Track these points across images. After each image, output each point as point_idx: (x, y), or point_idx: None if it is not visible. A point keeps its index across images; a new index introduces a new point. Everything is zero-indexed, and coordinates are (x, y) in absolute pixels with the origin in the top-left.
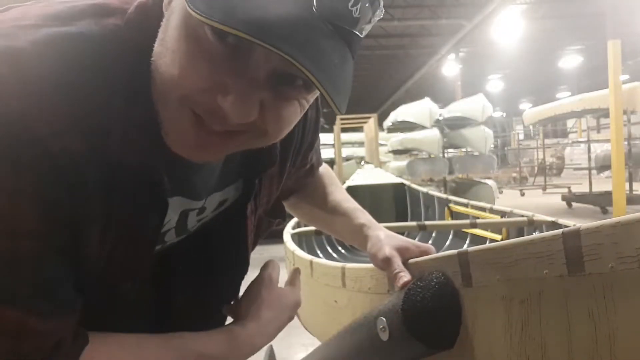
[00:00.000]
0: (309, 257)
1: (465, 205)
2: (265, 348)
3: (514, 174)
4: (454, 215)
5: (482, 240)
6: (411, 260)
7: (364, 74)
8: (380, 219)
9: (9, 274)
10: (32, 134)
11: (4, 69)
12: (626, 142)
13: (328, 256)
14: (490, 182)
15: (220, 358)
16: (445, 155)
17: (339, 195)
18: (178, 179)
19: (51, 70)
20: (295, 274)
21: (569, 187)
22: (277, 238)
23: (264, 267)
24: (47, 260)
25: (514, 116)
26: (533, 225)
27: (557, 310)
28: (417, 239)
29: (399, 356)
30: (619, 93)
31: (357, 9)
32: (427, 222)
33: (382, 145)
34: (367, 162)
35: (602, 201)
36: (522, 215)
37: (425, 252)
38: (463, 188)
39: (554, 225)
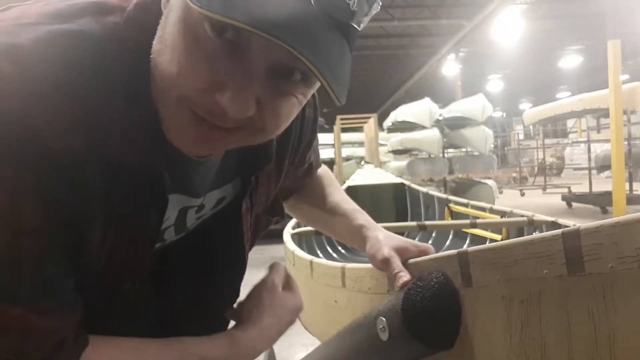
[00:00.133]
0: (309, 257)
1: (465, 205)
2: None
3: (514, 174)
4: (454, 215)
5: (482, 240)
6: (411, 261)
7: (364, 74)
8: (380, 219)
9: (10, 272)
10: (33, 133)
11: (6, 66)
12: (626, 142)
13: (328, 256)
14: (490, 182)
15: None
16: (445, 155)
17: (338, 196)
18: (178, 177)
19: (52, 70)
20: (288, 278)
21: (569, 187)
22: (277, 238)
23: (269, 271)
24: (48, 259)
25: (514, 116)
26: (533, 225)
27: (557, 310)
28: (417, 239)
29: (398, 356)
30: (619, 93)
31: (354, 1)
32: (427, 222)
33: (382, 145)
34: (367, 162)
35: (602, 201)
36: (522, 215)
37: (424, 252)
38: (463, 188)
39: (554, 225)
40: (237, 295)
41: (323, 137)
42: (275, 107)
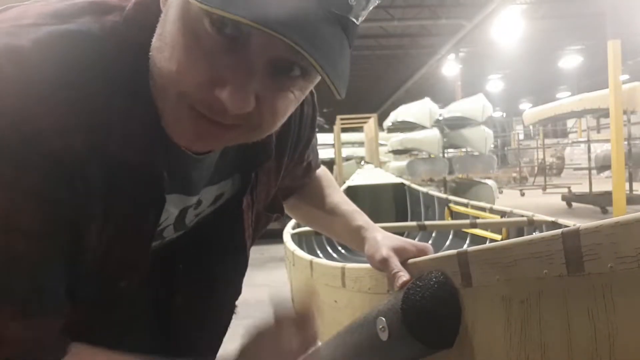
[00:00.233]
0: (308, 257)
1: (465, 205)
2: None
3: (514, 174)
4: (454, 215)
5: (482, 240)
6: (410, 261)
7: (364, 74)
8: (380, 219)
9: (4, 273)
10: (33, 133)
11: (7, 67)
12: (626, 142)
13: (328, 256)
14: (490, 182)
15: None
16: (445, 155)
17: (337, 197)
18: (177, 176)
19: (52, 70)
20: (306, 314)
21: (569, 187)
22: (277, 238)
23: (273, 312)
24: (43, 262)
25: (514, 116)
26: (533, 225)
27: (556, 310)
28: (417, 239)
29: (398, 356)
30: (619, 93)
31: None
32: (427, 222)
33: (382, 145)
34: (367, 162)
35: (602, 201)
36: (522, 215)
37: (422, 251)
38: (463, 188)
39: (553, 225)
40: (239, 293)
41: (323, 137)
42: (273, 103)
